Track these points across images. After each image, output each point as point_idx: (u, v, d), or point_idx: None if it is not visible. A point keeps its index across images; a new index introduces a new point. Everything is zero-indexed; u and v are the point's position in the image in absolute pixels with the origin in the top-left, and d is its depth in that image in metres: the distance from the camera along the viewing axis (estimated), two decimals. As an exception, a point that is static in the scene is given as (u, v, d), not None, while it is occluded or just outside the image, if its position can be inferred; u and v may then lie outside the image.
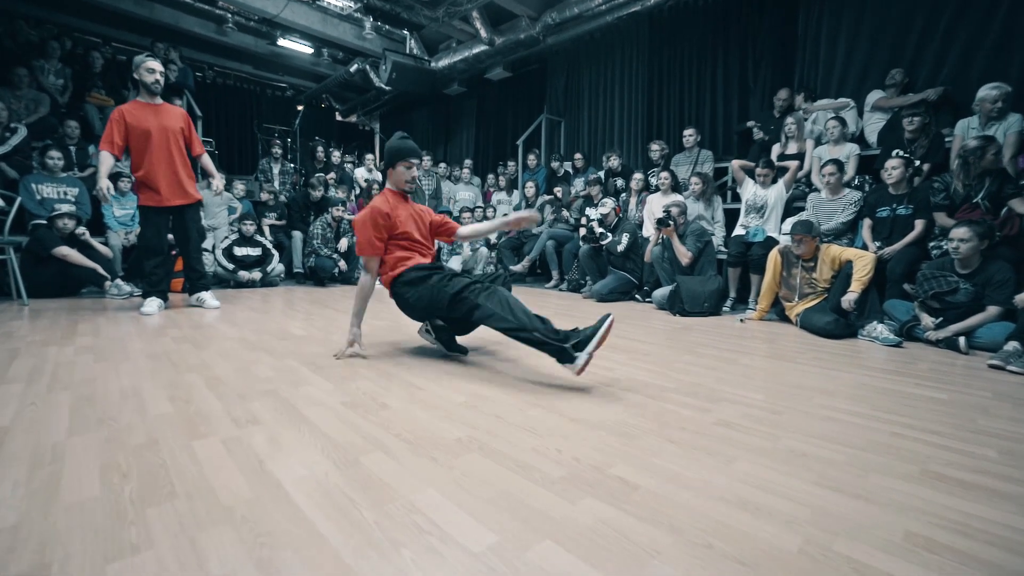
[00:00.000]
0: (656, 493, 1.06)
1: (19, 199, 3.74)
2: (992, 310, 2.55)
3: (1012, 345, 2.23)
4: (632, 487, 1.08)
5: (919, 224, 3.19)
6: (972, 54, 3.85)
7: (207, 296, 3.46)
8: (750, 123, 4.96)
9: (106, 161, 3.07)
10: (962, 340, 2.52)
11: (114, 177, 4.52)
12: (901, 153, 3.54)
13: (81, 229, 3.88)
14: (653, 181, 4.88)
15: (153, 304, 3.18)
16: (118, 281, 3.82)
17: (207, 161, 3.47)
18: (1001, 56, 3.71)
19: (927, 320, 2.73)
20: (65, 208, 3.82)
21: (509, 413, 1.52)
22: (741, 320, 3.45)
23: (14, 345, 2.22)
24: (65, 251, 3.63)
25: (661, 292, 3.91)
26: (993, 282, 2.59)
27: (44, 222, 3.82)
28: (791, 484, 1.11)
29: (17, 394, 1.57)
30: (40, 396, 1.56)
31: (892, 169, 3.29)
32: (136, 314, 3.12)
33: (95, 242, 3.96)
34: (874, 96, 4.18)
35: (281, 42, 7.55)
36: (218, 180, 3.48)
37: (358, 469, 1.13)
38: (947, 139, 3.58)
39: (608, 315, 1.76)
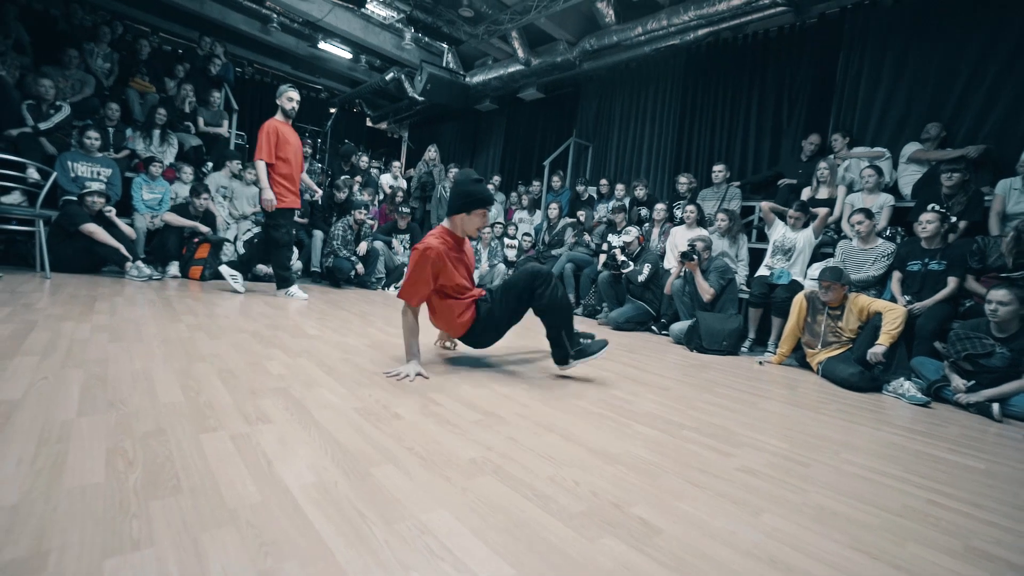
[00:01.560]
0: (680, 539, 0.99)
1: (54, 174, 3.81)
2: (1029, 378, 2.44)
3: (1051, 417, 2.13)
4: (655, 530, 1.02)
5: (952, 281, 3.10)
6: (1018, 111, 3.78)
7: (296, 289, 3.93)
8: (772, 173, 4.89)
9: (262, 170, 3.59)
10: (996, 407, 2.41)
11: (147, 161, 4.61)
12: (937, 208, 3.47)
13: (109, 208, 3.94)
14: (678, 213, 4.85)
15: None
16: (139, 263, 3.84)
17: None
18: (1047, 117, 3.65)
19: (958, 382, 2.63)
20: (96, 186, 3.88)
21: (524, 436, 1.47)
22: (760, 363, 3.36)
23: (32, 317, 2.22)
24: (92, 228, 3.67)
25: (679, 326, 3.83)
26: (1031, 349, 2.49)
27: (75, 198, 3.88)
28: (824, 545, 1.04)
29: (31, 367, 1.55)
30: (53, 371, 1.54)
31: (927, 223, 3.22)
32: (154, 296, 3.13)
33: (120, 222, 4.01)
34: (911, 148, 4.12)
35: (321, 45, 7.73)
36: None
37: (368, 481, 1.08)
38: (987, 198, 3.50)
39: (606, 343, 2.23)
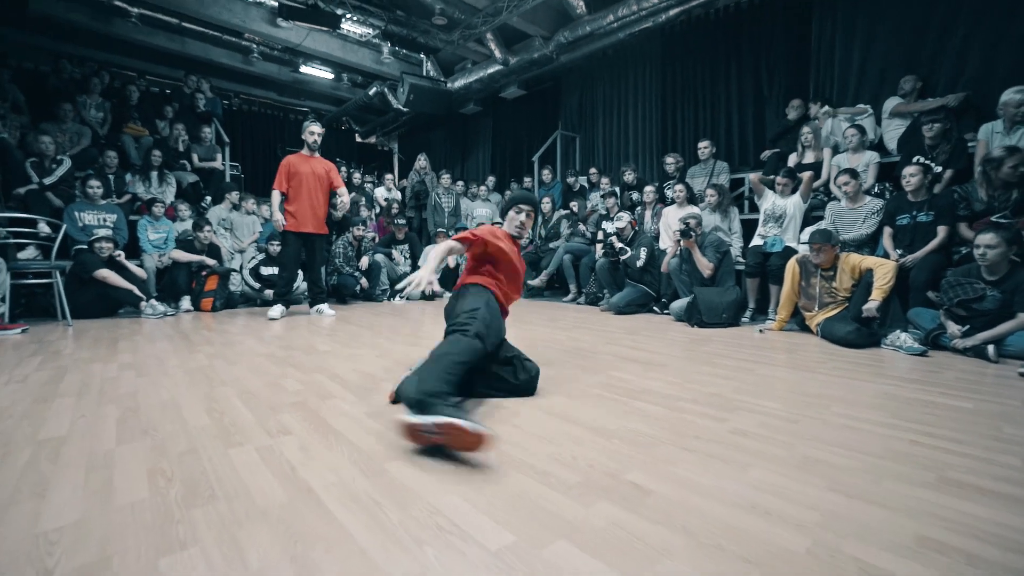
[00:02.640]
0: (669, 498, 1.09)
1: (64, 226, 3.97)
2: (1022, 317, 2.50)
3: (1041, 352, 2.19)
4: (646, 492, 1.12)
5: (941, 231, 3.15)
6: (995, 56, 3.79)
7: (324, 307, 4.24)
8: (769, 152, 4.86)
9: (275, 198, 3.97)
10: (991, 348, 2.47)
11: (149, 203, 4.77)
12: (922, 160, 3.51)
13: (118, 252, 4.10)
14: (668, 194, 4.91)
15: (277, 310, 3.96)
16: (152, 301, 4.00)
17: (344, 191, 4.28)
18: (1025, 57, 3.66)
19: (953, 328, 2.68)
20: (102, 232, 4.04)
21: (527, 424, 1.57)
22: (760, 331, 3.43)
23: (63, 363, 2.36)
24: (105, 273, 3.83)
25: (679, 304, 3.91)
26: (1022, 288, 2.54)
27: (85, 247, 4.04)
28: (803, 490, 1.13)
29: (70, 407, 1.69)
30: (90, 409, 1.67)
31: (910, 176, 3.27)
32: (171, 331, 3.27)
33: (131, 264, 4.17)
34: (892, 102, 4.15)
35: (303, 69, 7.89)
36: (344, 197, 4.29)
37: (383, 475, 1.19)
38: (970, 144, 3.53)
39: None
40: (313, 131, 4.03)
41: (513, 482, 1.16)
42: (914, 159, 3.53)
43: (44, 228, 4.05)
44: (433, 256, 1.85)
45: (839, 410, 1.71)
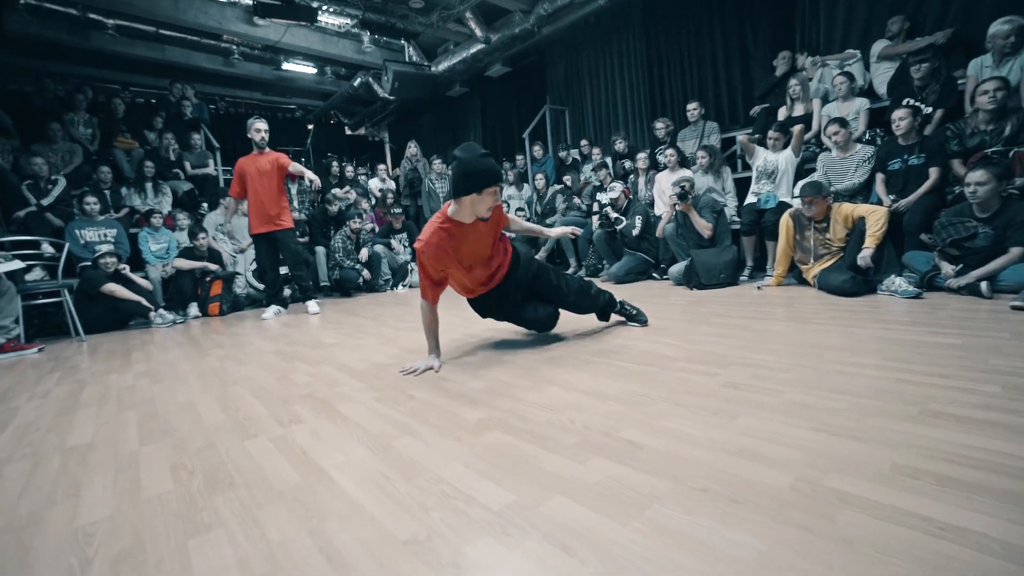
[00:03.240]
0: (660, 451, 1.15)
1: (67, 245, 4.05)
2: (1015, 251, 2.51)
3: (1032, 284, 2.21)
4: (638, 447, 1.18)
5: (933, 172, 3.14)
6: (980, -11, 3.71)
7: (311, 304, 4.20)
8: (758, 108, 4.80)
9: (230, 206, 4.17)
10: (984, 285, 2.49)
11: (147, 214, 4.83)
12: (910, 102, 3.47)
13: (122, 265, 4.17)
14: (660, 159, 4.89)
15: (271, 311, 4.07)
16: (161, 311, 4.09)
17: (297, 167, 4.07)
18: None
19: (947, 268, 2.70)
20: (104, 248, 4.11)
21: (526, 394, 1.63)
22: (759, 288, 3.46)
23: (81, 376, 2.45)
24: (112, 287, 3.91)
25: (677, 268, 3.94)
26: (1015, 223, 2.55)
27: (90, 263, 4.12)
28: (789, 432, 1.18)
29: (92, 416, 1.77)
30: (111, 416, 1.75)
31: (899, 120, 3.24)
32: (181, 338, 3.36)
33: (136, 277, 4.25)
34: (879, 45, 4.08)
35: (285, 66, 7.82)
36: (309, 175, 4.10)
37: (390, 452, 1.26)
38: (960, 81, 3.48)
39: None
40: (259, 128, 3.95)
41: (513, 448, 1.23)
42: (903, 102, 3.50)
43: (48, 248, 4.13)
44: (434, 336, 2.13)
45: (832, 356, 1.76)
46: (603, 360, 1.95)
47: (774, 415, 1.29)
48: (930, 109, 3.47)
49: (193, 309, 4.45)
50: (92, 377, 2.41)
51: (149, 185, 5.23)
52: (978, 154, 2.91)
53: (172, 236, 4.88)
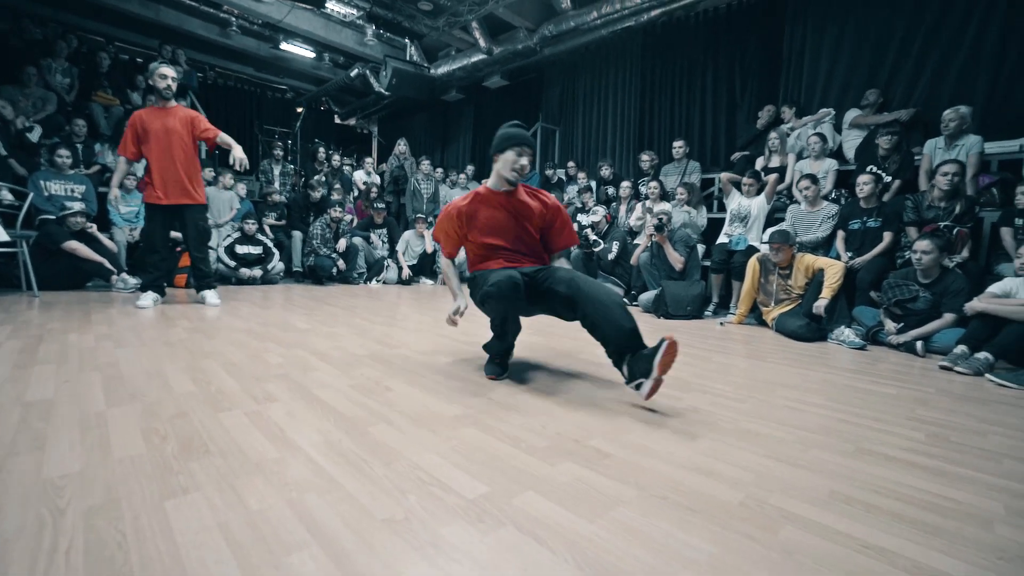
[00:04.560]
0: (626, 460, 1.23)
1: (30, 195, 3.86)
2: (947, 317, 2.76)
3: (960, 348, 2.44)
4: (605, 455, 1.25)
5: (887, 236, 3.41)
6: (942, 77, 4.10)
7: (209, 294, 3.52)
8: (739, 154, 5.07)
9: (120, 167, 3.28)
10: (919, 344, 2.73)
11: (121, 175, 4.65)
12: (874, 169, 3.77)
13: (90, 224, 4.01)
14: (643, 190, 5.09)
15: (148, 298, 3.25)
16: (124, 275, 3.94)
17: (225, 138, 3.41)
18: (968, 80, 3.96)
19: (890, 325, 2.94)
20: (77, 206, 3.95)
21: (501, 396, 1.69)
22: (721, 323, 3.64)
23: (36, 332, 2.35)
24: (74, 245, 3.75)
25: (647, 296, 4.10)
26: (949, 291, 2.80)
27: (53, 217, 3.94)
28: (741, 455, 1.29)
29: (51, 373, 1.72)
30: (72, 375, 1.71)
31: (863, 184, 3.51)
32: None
33: (102, 237, 4.09)
34: (852, 114, 4.42)
35: (283, 46, 7.72)
36: (237, 150, 3.35)
37: (367, 437, 1.30)
38: (916, 157, 3.81)
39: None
40: (165, 74, 3.20)
41: (487, 445, 1.28)
42: (867, 168, 3.80)
43: (7, 196, 3.93)
44: (453, 283, 2.00)
45: (784, 393, 1.90)
46: (574, 375, 2.04)
47: (729, 439, 1.40)
48: (890, 178, 3.78)
49: (157, 278, 4.29)
50: (49, 334, 2.31)
51: (126, 145, 5.03)
52: (931, 226, 3.19)
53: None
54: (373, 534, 0.87)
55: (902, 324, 2.88)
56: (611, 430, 1.43)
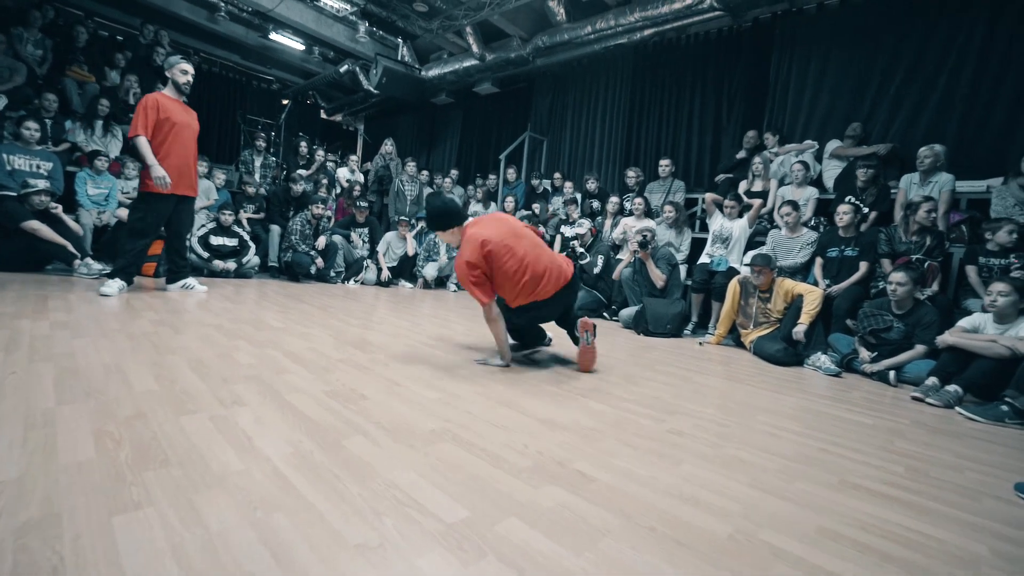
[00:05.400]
0: (611, 485, 1.19)
1: (-11, 169, 3.64)
2: (919, 348, 2.82)
3: (932, 380, 2.49)
4: (590, 479, 1.21)
5: (863, 266, 3.49)
6: (918, 114, 4.25)
7: (194, 281, 3.68)
8: (723, 176, 5.15)
9: (146, 146, 3.16)
10: (892, 374, 2.78)
11: (91, 155, 4.45)
12: (853, 200, 3.87)
13: (54, 204, 3.80)
14: (628, 206, 5.12)
15: (114, 285, 3.14)
16: (88, 260, 3.74)
17: None
18: (941, 119, 4.12)
19: (864, 354, 2.99)
20: (41, 183, 3.74)
21: (480, 411, 1.63)
22: (700, 343, 3.66)
23: (-17, 316, 2.19)
24: (35, 225, 3.54)
25: (628, 312, 4.10)
26: (922, 323, 2.87)
27: (13, 194, 3.72)
28: (727, 484, 1.26)
29: (-4, 363, 1.59)
30: (21, 365, 1.58)
31: (843, 214, 3.59)
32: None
33: (67, 218, 3.88)
34: (832, 145, 4.53)
35: (273, 36, 7.54)
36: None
37: (340, 450, 1.22)
38: (892, 191, 3.93)
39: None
40: (187, 70, 3.31)
41: (467, 463, 1.22)
42: (846, 199, 3.89)
43: (-37, 169, 3.70)
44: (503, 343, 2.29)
45: (764, 419, 1.89)
46: (555, 389, 2.00)
47: (714, 466, 1.37)
48: (867, 209, 3.88)
49: (122, 265, 4.09)
50: (-3, 320, 2.16)
51: (100, 124, 4.82)
52: (903, 258, 3.27)
53: (115, 183, 4.50)
54: (345, 563, 0.81)
55: (876, 353, 2.93)
56: (594, 452, 1.39)
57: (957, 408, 2.31)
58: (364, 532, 0.89)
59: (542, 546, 0.91)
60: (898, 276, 2.89)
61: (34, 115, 4.31)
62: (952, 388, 2.41)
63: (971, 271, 3.20)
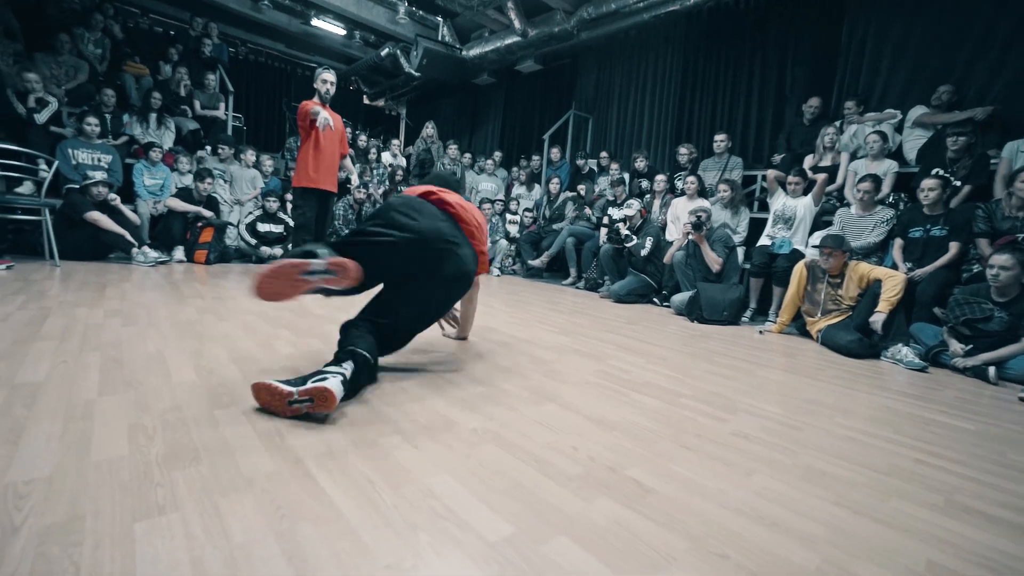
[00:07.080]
0: (671, 498, 1.05)
1: (56, 163, 3.83)
2: (1025, 341, 2.47)
3: (1044, 378, 2.17)
4: (647, 490, 1.07)
5: (954, 247, 3.10)
6: (1025, 72, 3.70)
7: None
8: (785, 151, 4.71)
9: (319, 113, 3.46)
10: (992, 370, 2.45)
11: (147, 147, 4.62)
12: (941, 173, 3.44)
13: (113, 195, 3.97)
14: (679, 184, 4.82)
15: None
16: (145, 248, 3.90)
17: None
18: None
19: (956, 346, 2.66)
20: (99, 175, 3.91)
21: (524, 407, 1.52)
22: (760, 332, 3.40)
23: (47, 304, 2.28)
24: (96, 216, 3.71)
25: (680, 297, 3.87)
26: (1030, 312, 2.51)
27: (77, 186, 3.91)
28: (809, 502, 1.09)
29: (50, 351, 1.62)
30: (72, 355, 1.60)
31: (929, 190, 3.20)
32: (161, 280, 3.19)
33: (125, 209, 4.05)
34: (916, 111, 4.05)
35: (314, 22, 7.60)
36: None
37: (376, 450, 1.14)
38: (993, 161, 3.46)
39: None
40: (326, 79, 3.65)
41: (510, 468, 1.12)
42: (933, 171, 3.47)
43: (44, 167, 3.90)
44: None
45: (840, 420, 1.68)
46: (604, 382, 1.86)
47: (790, 479, 1.20)
48: (959, 183, 3.44)
49: (179, 253, 4.26)
50: (59, 307, 2.24)
51: (153, 116, 5.01)
52: (1007, 238, 2.87)
53: (169, 174, 4.67)
54: (373, 588, 0.72)
55: (971, 346, 2.60)
56: (650, 456, 1.25)
57: (1076, 411, 2.00)
58: (397, 549, 0.80)
59: (596, 572, 0.79)
60: (1001, 259, 2.53)
61: (95, 111, 4.51)
62: (1068, 387, 2.08)
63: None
